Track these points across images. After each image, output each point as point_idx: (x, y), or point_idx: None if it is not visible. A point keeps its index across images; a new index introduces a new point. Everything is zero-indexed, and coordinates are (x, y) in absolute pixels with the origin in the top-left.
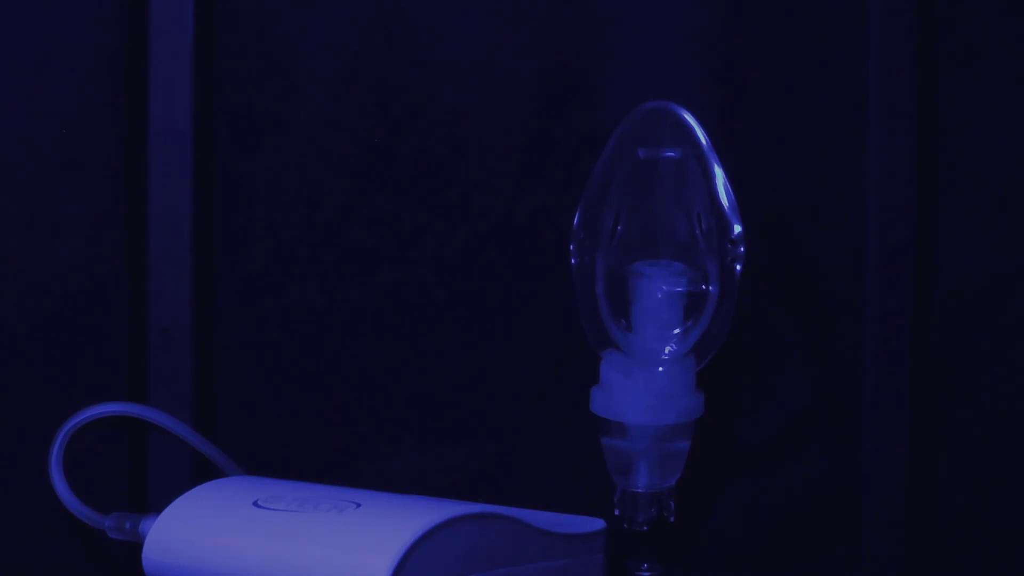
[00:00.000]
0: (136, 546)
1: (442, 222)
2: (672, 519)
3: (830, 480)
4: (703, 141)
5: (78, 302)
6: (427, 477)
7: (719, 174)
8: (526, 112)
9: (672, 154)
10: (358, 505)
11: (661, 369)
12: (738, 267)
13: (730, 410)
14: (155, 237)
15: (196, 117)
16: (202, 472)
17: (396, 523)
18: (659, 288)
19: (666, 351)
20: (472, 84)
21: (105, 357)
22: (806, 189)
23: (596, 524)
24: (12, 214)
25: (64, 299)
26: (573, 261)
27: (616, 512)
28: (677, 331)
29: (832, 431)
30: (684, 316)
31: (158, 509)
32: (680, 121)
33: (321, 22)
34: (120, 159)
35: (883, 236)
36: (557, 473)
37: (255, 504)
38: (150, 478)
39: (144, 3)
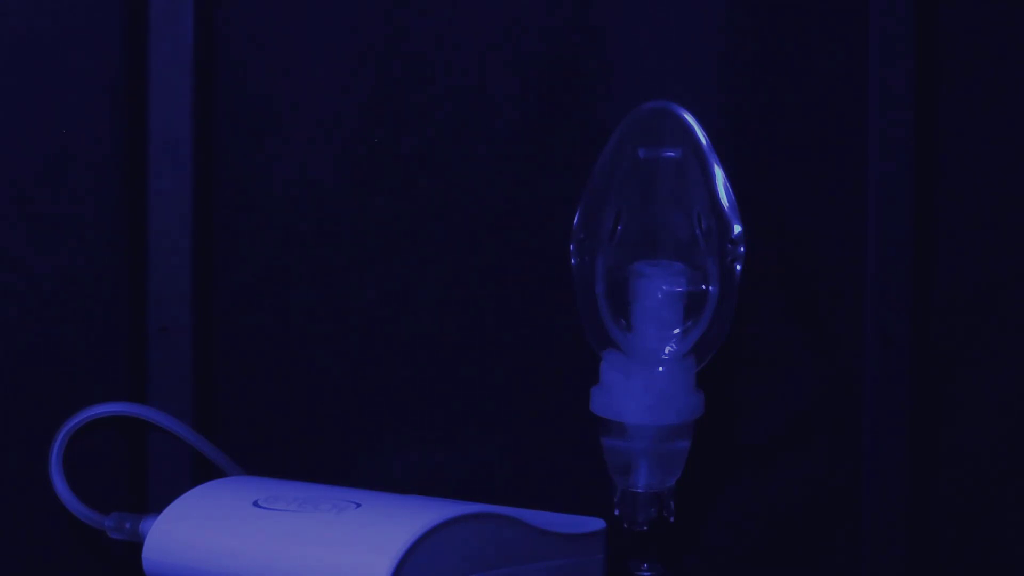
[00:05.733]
0: (136, 546)
1: (442, 222)
2: (672, 519)
3: (830, 480)
4: (703, 141)
5: (78, 302)
6: (427, 477)
7: (719, 174)
8: (526, 112)
9: (672, 154)
10: (358, 505)
11: (661, 369)
12: (738, 267)
13: (730, 410)
14: (155, 237)
15: (196, 117)
16: (202, 472)
17: (396, 523)
18: (659, 288)
19: (666, 351)
20: (472, 84)
21: (105, 357)
22: (806, 189)
23: (596, 524)
24: (12, 214)
25: (64, 299)
26: (573, 261)
27: (616, 512)
28: (677, 331)
29: (832, 431)
30: (684, 316)
31: (158, 509)
32: (680, 121)
33: (321, 22)
34: (120, 159)
35: (883, 236)
36: (557, 473)
37: (255, 504)
38: (150, 478)
39: (144, 5)
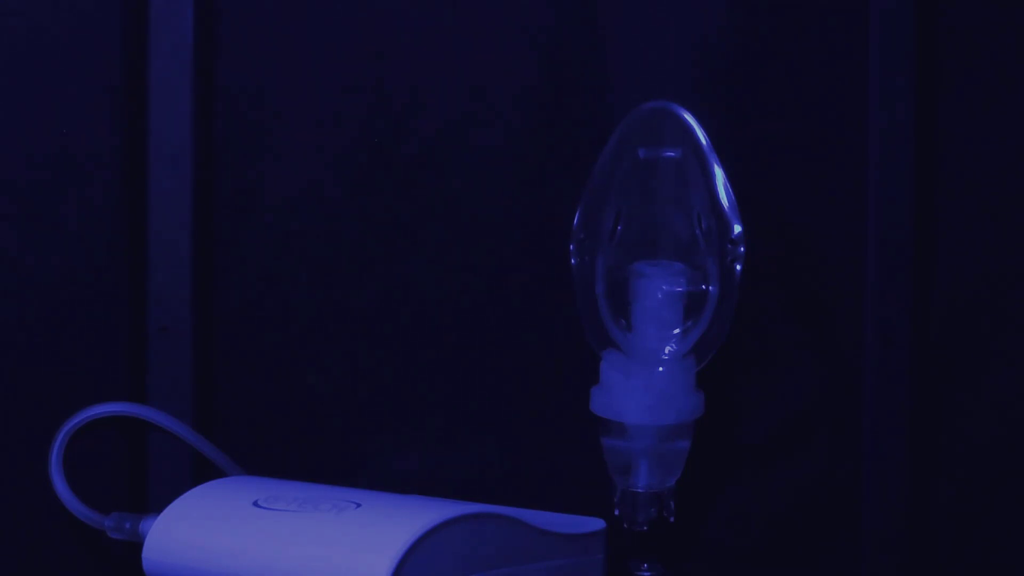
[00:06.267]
0: (136, 546)
1: (442, 222)
2: (672, 519)
3: (830, 480)
4: (703, 141)
5: (78, 302)
6: (427, 477)
7: (719, 174)
8: (526, 112)
9: (672, 154)
10: (358, 505)
11: (661, 369)
12: (738, 267)
13: (730, 410)
14: (155, 237)
15: (196, 118)
16: (202, 472)
17: (396, 523)
18: (659, 288)
19: (666, 351)
20: (472, 84)
21: (105, 357)
22: (806, 189)
23: (596, 524)
24: (12, 214)
25: (64, 299)
26: (573, 261)
27: (616, 512)
28: (677, 331)
29: (832, 431)
30: (684, 316)
31: (158, 509)
32: (680, 121)
33: (320, 22)
34: (120, 159)
35: (883, 236)
36: (557, 473)
37: (255, 504)
38: (150, 478)
39: (144, 5)
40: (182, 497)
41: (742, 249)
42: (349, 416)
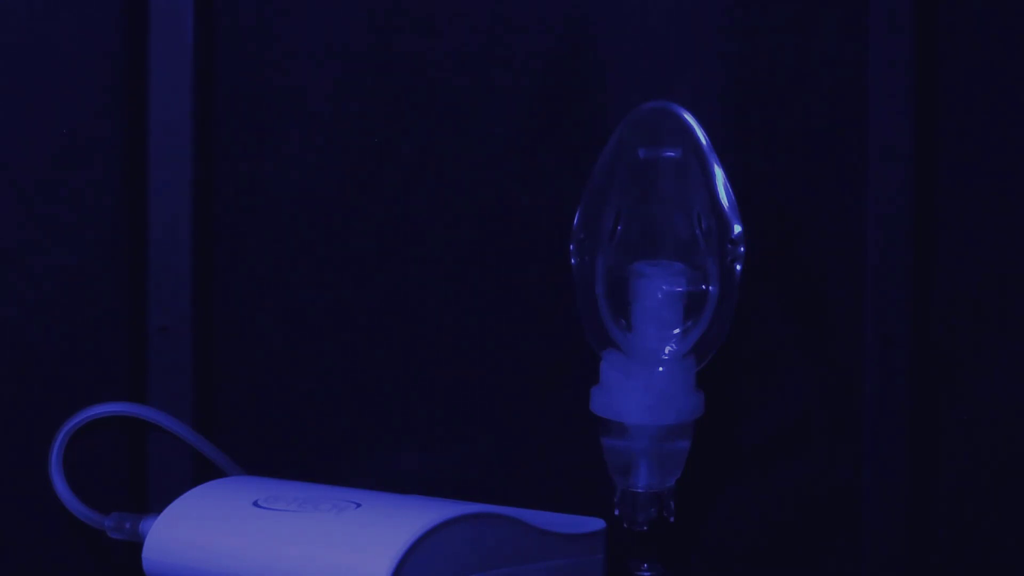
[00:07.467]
0: (136, 546)
1: (442, 222)
2: (672, 519)
3: (830, 480)
4: (703, 141)
5: (78, 302)
6: (427, 477)
7: (719, 174)
8: (526, 112)
9: (672, 154)
10: (358, 505)
11: (661, 369)
12: (738, 267)
13: (730, 410)
14: (155, 237)
15: (196, 117)
16: (202, 472)
17: (396, 523)
18: (659, 288)
19: (666, 351)
20: (471, 84)
21: (105, 357)
22: (806, 189)
23: (596, 524)
24: (12, 214)
25: (64, 299)
26: (573, 261)
27: (616, 512)
28: (677, 331)
29: (832, 431)
30: (684, 316)
31: (158, 509)
32: (680, 121)
33: (320, 22)
34: (120, 159)
35: (883, 236)
36: (557, 473)
37: (255, 504)
38: (150, 478)
39: (144, 3)
40: (182, 497)
41: (742, 249)
42: (349, 416)
